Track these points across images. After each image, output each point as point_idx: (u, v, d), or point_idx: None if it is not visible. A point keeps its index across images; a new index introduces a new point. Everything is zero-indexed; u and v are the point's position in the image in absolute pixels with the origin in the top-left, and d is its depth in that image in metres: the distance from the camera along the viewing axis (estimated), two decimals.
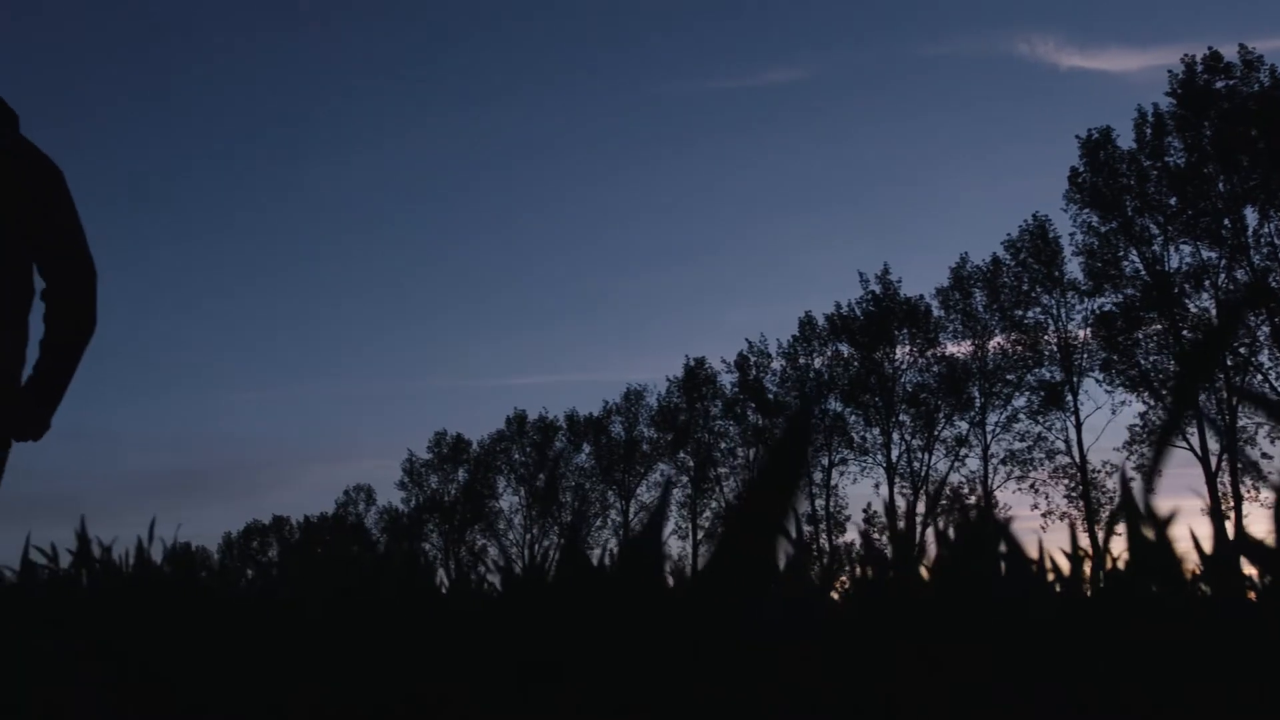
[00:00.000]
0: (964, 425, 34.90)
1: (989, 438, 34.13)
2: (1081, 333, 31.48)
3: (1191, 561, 1.35)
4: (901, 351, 36.66)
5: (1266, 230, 27.04)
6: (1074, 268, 32.33)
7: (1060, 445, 32.46)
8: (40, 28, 71.58)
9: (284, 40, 73.67)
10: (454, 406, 78.20)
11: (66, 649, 2.06)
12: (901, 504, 36.16)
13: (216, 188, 74.47)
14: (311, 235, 75.50)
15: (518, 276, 74.88)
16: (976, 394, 34.61)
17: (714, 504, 44.34)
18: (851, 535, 39.05)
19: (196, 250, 74.85)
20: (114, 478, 73.72)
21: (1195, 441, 27.55)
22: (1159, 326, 28.71)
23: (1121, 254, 29.64)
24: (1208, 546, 1.38)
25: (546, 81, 73.17)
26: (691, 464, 45.02)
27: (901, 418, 36.39)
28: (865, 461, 37.47)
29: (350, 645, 1.80)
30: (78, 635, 2.27)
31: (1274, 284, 26.67)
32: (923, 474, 35.82)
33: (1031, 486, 32.78)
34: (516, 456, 52.76)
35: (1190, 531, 1.63)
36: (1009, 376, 33.63)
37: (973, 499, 33.26)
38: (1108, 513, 30.82)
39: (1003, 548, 1.36)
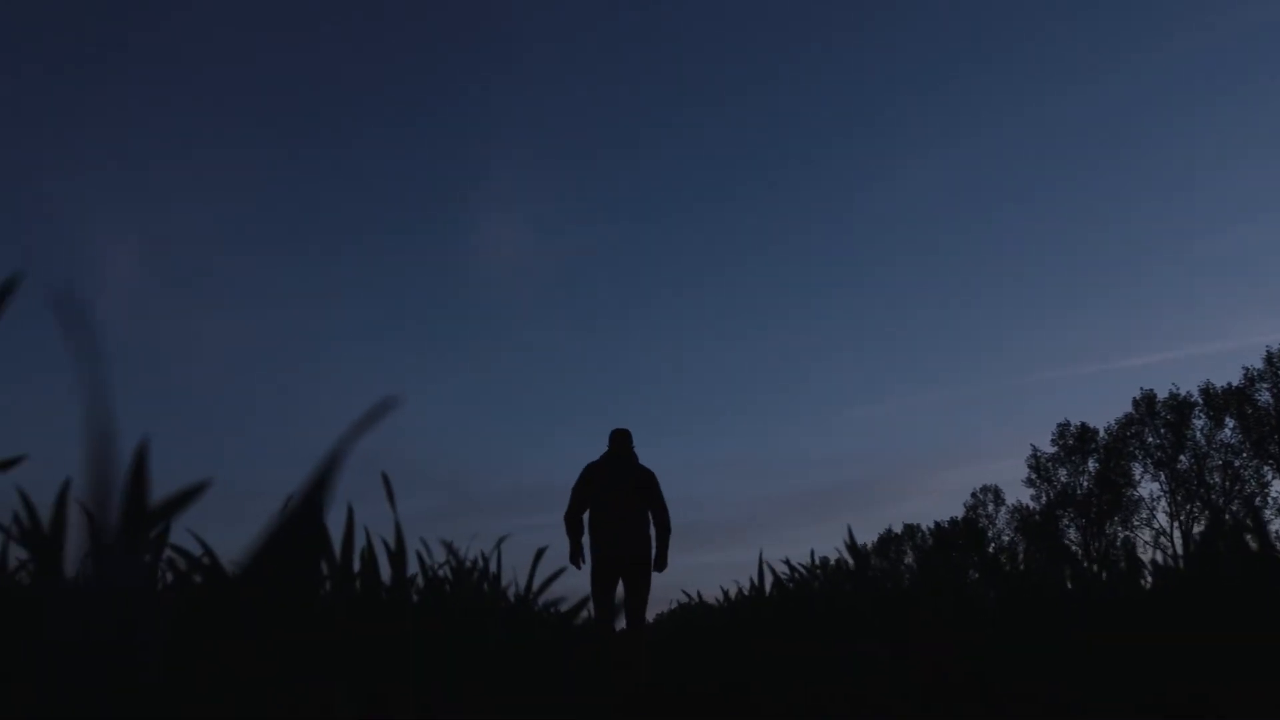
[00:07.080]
0: None
1: None
2: None
3: None
4: None
5: None
6: None
7: None
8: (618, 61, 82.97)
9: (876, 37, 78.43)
10: (1071, 396, 76.20)
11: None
12: None
13: (789, 206, 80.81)
14: (892, 243, 78.90)
15: (1110, 254, 71.81)
16: None
17: None
18: None
19: (805, 268, 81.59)
20: (766, 500, 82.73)
21: None
22: None
23: None
24: None
25: (1116, 59, 69.91)
26: None
27: None
28: None
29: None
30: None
31: None
32: None
33: None
34: (1150, 440, 50.65)
35: None
36: None
37: None
38: None
39: None
